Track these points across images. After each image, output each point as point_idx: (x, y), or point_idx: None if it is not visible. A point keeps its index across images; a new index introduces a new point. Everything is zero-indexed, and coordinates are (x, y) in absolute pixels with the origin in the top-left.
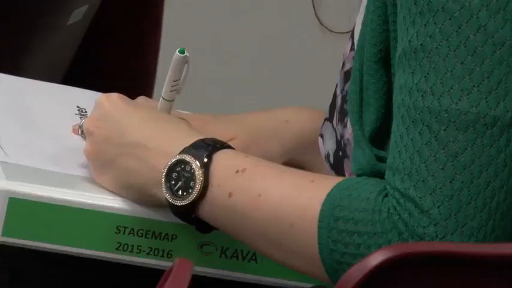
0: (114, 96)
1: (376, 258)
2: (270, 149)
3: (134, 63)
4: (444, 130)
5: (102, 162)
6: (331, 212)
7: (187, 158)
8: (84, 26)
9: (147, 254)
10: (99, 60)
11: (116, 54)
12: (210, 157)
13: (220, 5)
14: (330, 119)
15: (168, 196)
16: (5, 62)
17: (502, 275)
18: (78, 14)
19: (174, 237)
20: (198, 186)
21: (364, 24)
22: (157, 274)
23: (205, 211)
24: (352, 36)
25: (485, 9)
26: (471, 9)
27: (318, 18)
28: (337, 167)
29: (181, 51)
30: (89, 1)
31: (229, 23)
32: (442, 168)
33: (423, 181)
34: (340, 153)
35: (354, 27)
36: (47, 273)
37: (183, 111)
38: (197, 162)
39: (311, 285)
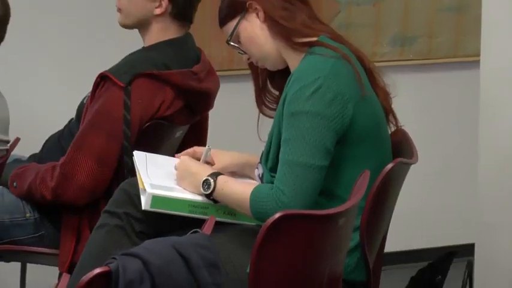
0: (186, 157)
1: (279, 214)
2: (231, 165)
3: (197, 143)
4: (295, 167)
5: (180, 180)
6: (254, 197)
7: (209, 178)
8: (181, 137)
9: (199, 213)
10: (184, 146)
11: (191, 144)
12: (216, 177)
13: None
14: (261, 160)
15: (202, 191)
16: (148, 149)
17: (326, 223)
18: (179, 133)
19: (207, 207)
20: (212, 187)
21: (275, 120)
22: (202, 221)
23: (216, 196)
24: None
25: (312, 129)
26: (307, 128)
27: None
28: (263, 181)
29: (208, 147)
30: (182, 129)
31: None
32: (292, 180)
33: (285, 184)
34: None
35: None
36: (165, 223)
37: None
38: (212, 180)
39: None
